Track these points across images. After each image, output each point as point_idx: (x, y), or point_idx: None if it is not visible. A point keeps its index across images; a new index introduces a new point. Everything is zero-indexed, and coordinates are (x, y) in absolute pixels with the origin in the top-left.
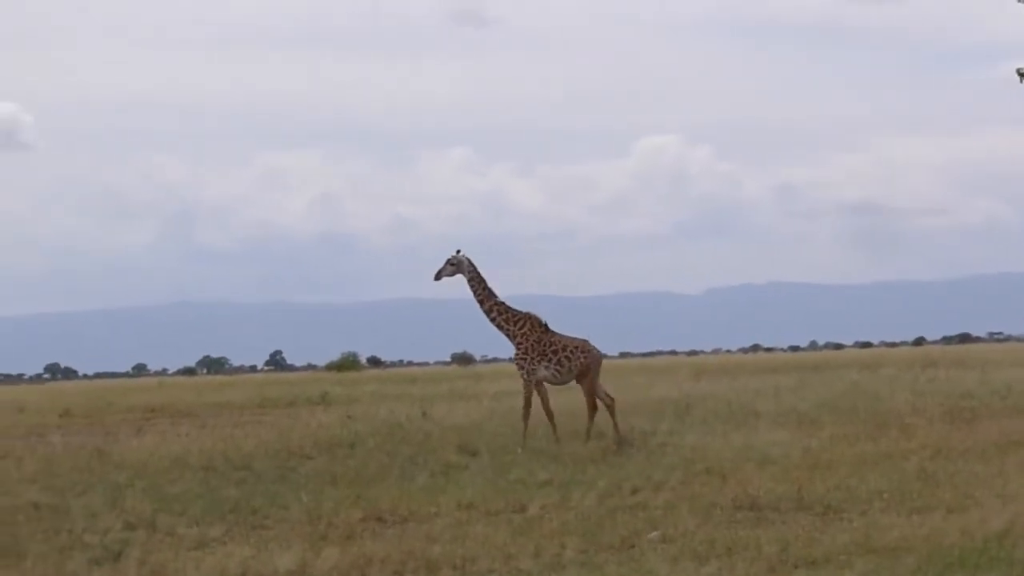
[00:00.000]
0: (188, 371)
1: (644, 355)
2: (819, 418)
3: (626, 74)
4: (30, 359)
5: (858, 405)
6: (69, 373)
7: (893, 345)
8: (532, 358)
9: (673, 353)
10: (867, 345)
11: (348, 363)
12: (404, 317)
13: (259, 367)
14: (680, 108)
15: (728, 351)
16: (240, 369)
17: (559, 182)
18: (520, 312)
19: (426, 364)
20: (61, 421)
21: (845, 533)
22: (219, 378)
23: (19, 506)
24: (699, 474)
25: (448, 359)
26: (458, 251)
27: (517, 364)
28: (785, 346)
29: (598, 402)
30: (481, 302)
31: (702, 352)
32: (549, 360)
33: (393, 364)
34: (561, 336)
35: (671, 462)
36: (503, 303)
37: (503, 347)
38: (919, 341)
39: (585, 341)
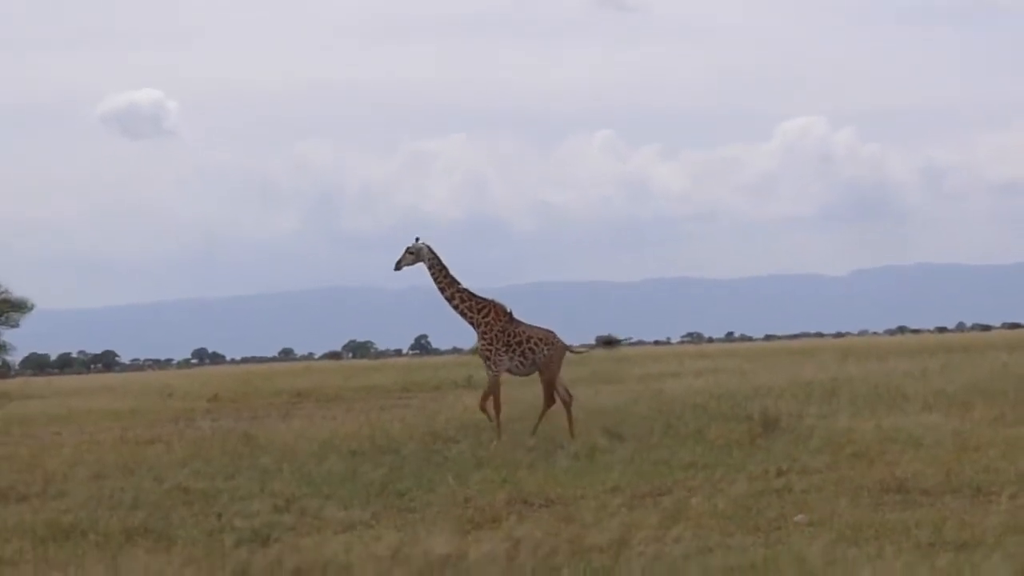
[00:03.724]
0: (334, 355)
1: (790, 337)
2: (968, 400)
3: (769, 56)
4: (178, 344)
5: (1007, 387)
6: (217, 358)
7: None
8: (498, 348)
9: (819, 335)
10: (1016, 326)
11: None
12: (548, 300)
13: (404, 351)
14: (824, 90)
15: (874, 333)
16: (385, 353)
17: (703, 165)
18: (484, 299)
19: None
20: (209, 405)
21: (995, 516)
22: (365, 362)
23: (169, 490)
24: (846, 457)
25: (592, 342)
26: (417, 239)
27: (482, 354)
28: (932, 327)
29: (556, 398)
30: (443, 289)
31: (848, 334)
32: (513, 351)
33: None
34: (526, 326)
35: (818, 445)
36: (466, 290)
37: (648, 330)
38: None
39: (550, 332)
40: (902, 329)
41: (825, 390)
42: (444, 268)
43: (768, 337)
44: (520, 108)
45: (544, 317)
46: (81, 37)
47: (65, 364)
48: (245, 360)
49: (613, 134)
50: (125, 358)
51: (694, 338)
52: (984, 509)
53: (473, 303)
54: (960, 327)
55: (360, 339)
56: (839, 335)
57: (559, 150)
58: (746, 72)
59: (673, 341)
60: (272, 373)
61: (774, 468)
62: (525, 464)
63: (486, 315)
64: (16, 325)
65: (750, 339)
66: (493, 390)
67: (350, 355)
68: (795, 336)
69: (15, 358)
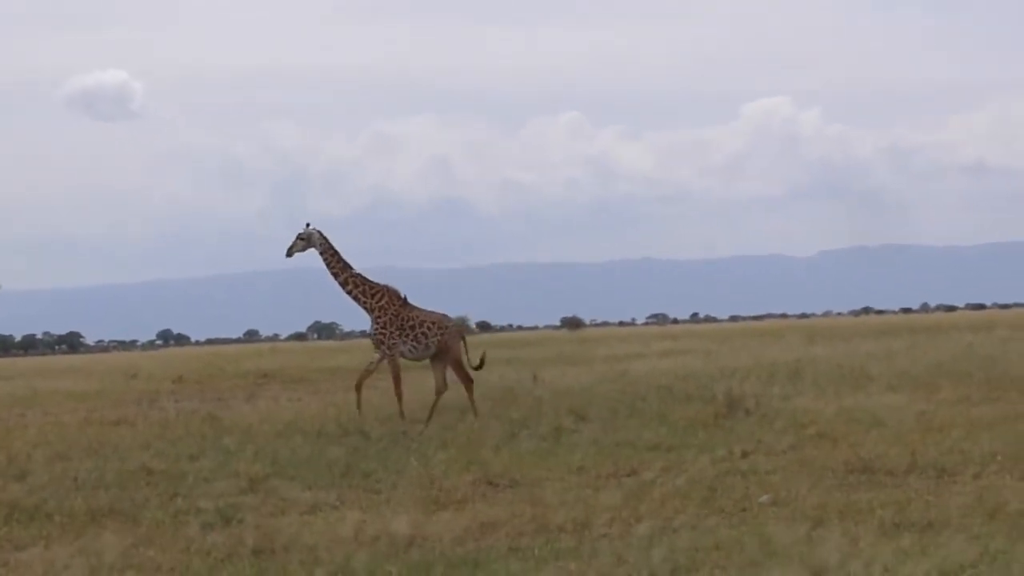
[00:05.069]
0: (299, 336)
1: (755, 318)
2: (933, 381)
3: (734, 37)
4: (143, 326)
5: (972, 368)
6: (182, 339)
7: (1006, 307)
8: (391, 332)
9: (784, 316)
10: (980, 307)
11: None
12: (514, 281)
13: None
14: (789, 69)
15: (839, 314)
16: (351, 334)
17: (669, 146)
18: (378, 284)
19: (535, 328)
20: (174, 387)
21: (959, 496)
22: (330, 343)
23: (133, 471)
24: (811, 438)
25: (558, 323)
26: (307, 224)
27: (377, 339)
28: (897, 308)
29: (469, 375)
30: (336, 275)
31: (813, 315)
32: (407, 335)
33: (503, 328)
34: (419, 310)
35: (782, 426)
36: (360, 275)
37: (613, 311)
38: None
39: (443, 316)
40: (867, 310)
41: (790, 371)
42: (336, 253)
43: (733, 318)
44: (487, 89)
45: (510, 298)
46: (45, 17)
47: (29, 345)
48: (210, 342)
49: (579, 115)
50: (90, 339)
51: (659, 319)
52: (948, 489)
53: (367, 288)
54: (925, 308)
55: (325, 320)
56: (804, 316)
57: (526, 131)
58: (711, 53)
59: (638, 322)
60: (237, 355)
61: (739, 449)
62: (490, 445)
63: (379, 300)
64: None
65: (715, 320)
66: (396, 373)
67: (315, 336)
68: (760, 317)
69: None
